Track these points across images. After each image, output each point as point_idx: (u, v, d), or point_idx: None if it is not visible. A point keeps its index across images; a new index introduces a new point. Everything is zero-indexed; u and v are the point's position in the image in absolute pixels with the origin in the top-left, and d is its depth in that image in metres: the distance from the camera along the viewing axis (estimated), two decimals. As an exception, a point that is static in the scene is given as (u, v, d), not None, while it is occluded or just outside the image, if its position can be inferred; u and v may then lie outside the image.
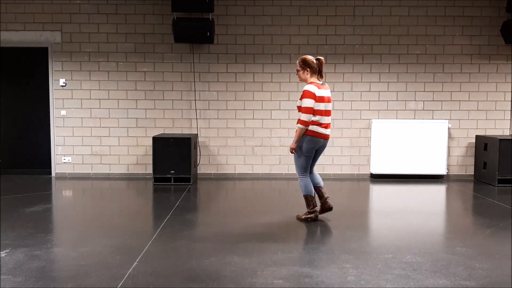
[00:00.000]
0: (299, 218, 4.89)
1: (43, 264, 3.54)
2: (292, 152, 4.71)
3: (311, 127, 4.57)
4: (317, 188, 4.90)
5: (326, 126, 4.65)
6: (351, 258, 3.70)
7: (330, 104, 4.69)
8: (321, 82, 4.67)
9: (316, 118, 4.56)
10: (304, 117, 4.53)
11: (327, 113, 4.64)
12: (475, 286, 3.16)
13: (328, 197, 4.92)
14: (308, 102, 4.51)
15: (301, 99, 4.58)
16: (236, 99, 7.69)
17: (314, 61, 4.68)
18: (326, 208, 4.90)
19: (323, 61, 4.73)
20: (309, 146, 4.62)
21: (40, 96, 7.71)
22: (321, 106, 4.57)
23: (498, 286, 3.17)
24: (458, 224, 4.86)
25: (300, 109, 4.60)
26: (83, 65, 7.62)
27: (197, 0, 7.00)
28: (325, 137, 4.69)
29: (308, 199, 4.81)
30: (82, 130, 7.69)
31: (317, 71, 4.67)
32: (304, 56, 4.74)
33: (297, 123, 4.59)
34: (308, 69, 4.66)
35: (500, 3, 7.54)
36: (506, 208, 5.52)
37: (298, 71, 4.72)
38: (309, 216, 4.82)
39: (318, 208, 4.86)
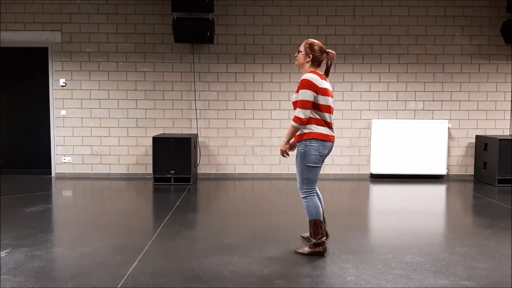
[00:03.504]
0: (300, 252, 3.82)
1: (43, 264, 3.54)
2: (284, 155, 3.84)
3: (318, 129, 3.66)
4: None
5: (332, 126, 3.78)
6: (351, 258, 3.70)
7: (333, 99, 3.81)
8: (322, 73, 3.81)
9: (320, 115, 3.69)
10: (300, 113, 3.60)
11: (331, 109, 3.75)
12: (475, 286, 3.16)
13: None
14: (306, 94, 3.60)
15: (297, 91, 3.68)
16: (236, 99, 7.69)
17: (323, 52, 3.79)
18: (321, 251, 3.81)
19: (334, 56, 3.82)
20: (319, 153, 3.68)
21: (40, 96, 7.71)
22: (327, 100, 3.69)
23: (498, 286, 3.17)
24: (458, 224, 4.86)
25: (296, 104, 3.71)
26: (83, 65, 7.62)
27: (197, 0, 7.00)
28: (333, 140, 3.78)
29: (317, 225, 3.76)
30: (82, 130, 7.69)
31: (320, 64, 3.81)
32: (313, 40, 3.81)
33: (293, 121, 3.67)
34: (311, 55, 3.76)
35: (500, 3, 7.54)
36: (506, 208, 5.51)
37: (299, 52, 3.82)
38: (315, 249, 3.77)
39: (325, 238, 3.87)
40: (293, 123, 3.66)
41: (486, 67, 7.68)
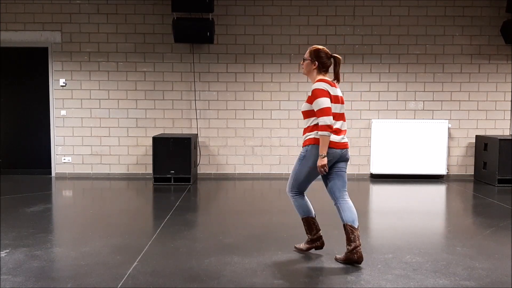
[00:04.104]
0: (300, 248, 3.89)
1: (43, 264, 3.54)
2: (323, 171, 3.54)
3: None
4: (349, 228, 3.60)
5: (342, 132, 3.67)
6: (351, 258, 3.70)
7: (344, 106, 3.76)
8: (331, 80, 3.71)
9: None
10: (326, 120, 3.49)
11: (341, 116, 3.68)
12: (475, 286, 3.16)
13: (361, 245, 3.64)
14: (324, 102, 3.51)
15: (309, 101, 3.60)
16: (236, 99, 7.69)
17: (329, 57, 3.72)
18: (318, 245, 3.83)
19: (341, 60, 3.76)
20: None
21: (40, 96, 7.71)
22: (337, 108, 3.64)
23: (498, 286, 3.17)
24: (458, 224, 4.86)
25: (308, 114, 3.65)
26: (83, 65, 7.62)
27: (197, 0, 7.00)
28: (343, 146, 3.63)
29: (309, 221, 3.80)
30: (82, 130, 7.69)
31: (328, 70, 3.75)
32: (317, 47, 3.73)
33: (319, 131, 3.51)
34: (316, 62, 3.68)
35: (500, 3, 7.54)
36: (506, 208, 5.51)
37: (304, 60, 3.75)
38: (314, 245, 3.83)
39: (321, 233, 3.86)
40: (321, 132, 3.50)
41: (486, 67, 7.68)
